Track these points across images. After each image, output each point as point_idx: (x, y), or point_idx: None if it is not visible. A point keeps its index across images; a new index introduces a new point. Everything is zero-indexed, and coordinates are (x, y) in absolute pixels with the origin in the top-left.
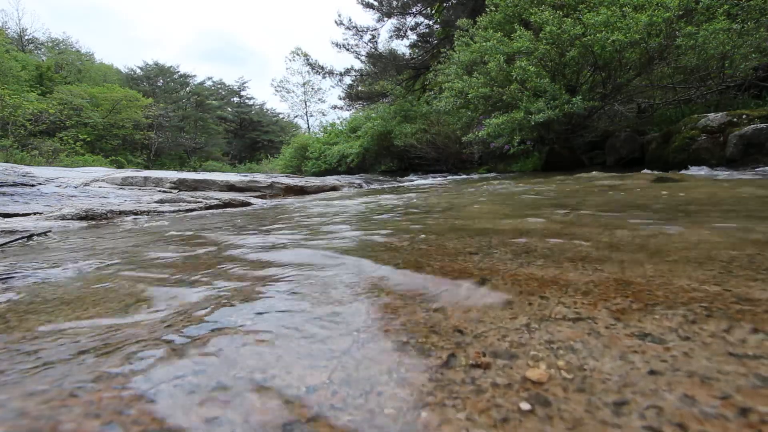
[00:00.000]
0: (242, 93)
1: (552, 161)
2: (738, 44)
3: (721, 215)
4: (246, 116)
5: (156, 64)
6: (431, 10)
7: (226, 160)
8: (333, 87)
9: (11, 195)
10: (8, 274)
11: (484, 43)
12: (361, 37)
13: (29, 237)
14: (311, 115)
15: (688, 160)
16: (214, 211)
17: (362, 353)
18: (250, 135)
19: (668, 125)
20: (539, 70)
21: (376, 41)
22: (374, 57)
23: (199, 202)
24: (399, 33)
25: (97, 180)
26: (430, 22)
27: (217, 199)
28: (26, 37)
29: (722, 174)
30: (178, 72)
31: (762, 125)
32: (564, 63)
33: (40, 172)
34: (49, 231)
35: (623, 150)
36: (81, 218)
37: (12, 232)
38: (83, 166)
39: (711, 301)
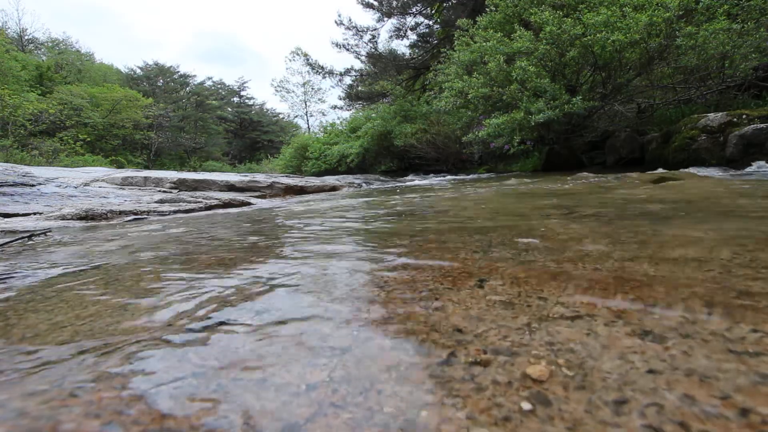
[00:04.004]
0: (242, 93)
1: (552, 161)
2: (738, 44)
3: (721, 214)
4: (246, 116)
5: (156, 64)
6: (431, 10)
7: (226, 160)
8: (333, 87)
9: (11, 195)
10: (8, 273)
11: (484, 43)
12: (361, 37)
13: (29, 237)
14: (311, 115)
15: (688, 160)
16: (216, 211)
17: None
18: (250, 135)
19: (668, 125)
20: (539, 70)
21: (376, 41)
22: (374, 57)
23: (199, 202)
24: (399, 33)
25: (97, 180)
26: (430, 22)
27: (217, 199)
28: (26, 37)
29: (722, 174)
30: (178, 72)
31: (762, 125)
32: (564, 63)
33: (40, 172)
34: (49, 231)
35: (623, 150)
36: (81, 218)
37: (12, 232)
38: (83, 166)
39: (711, 297)
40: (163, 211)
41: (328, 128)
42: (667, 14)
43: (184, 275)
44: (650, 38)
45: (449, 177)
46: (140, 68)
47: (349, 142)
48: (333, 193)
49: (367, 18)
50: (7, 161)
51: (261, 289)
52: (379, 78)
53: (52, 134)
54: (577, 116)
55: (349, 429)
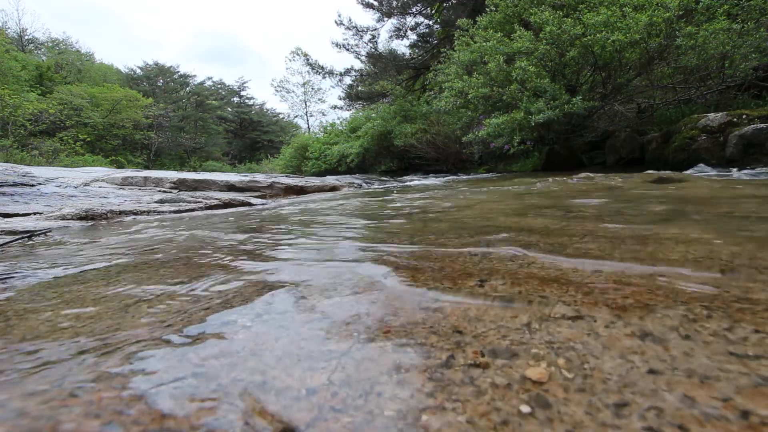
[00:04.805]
0: (242, 93)
1: (552, 161)
2: (738, 44)
3: (720, 215)
4: (246, 116)
5: (156, 64)
6: (431, 10)
7: (226, 160)
8: (333, 87)
9: (11, 195)
10: (8, 274)
11: (484, 43)
12: (361, 37)
13: (29, 237)
14: (311, 115)
15: (688, 160)
16: (216, 211)
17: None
18: (250, 135)
19: (668, 125)
20: (539, 70)
21: (376, 41)
22: (374, 57)
23: (199, 202)
24: (399, 33)
25: (97, 180)
26: (430, 22)
27: (217, 199)
28: (26, 37)
29: (722, 174)
30: (178, 72)
31: (762, 125)
32: (564, 63)
33: (40, 172)
34: (49, 231)
35: (623, 150)
36: (81, 218)
37: (12, 232)
38: (83, 166)
39: (711, 299)
40: (163, 211)
41: (328, 128)
42: (667, 14)
43: (183, 276)
44: (650, 38)
45: (449, 177)
46: (140, 68)
47: (349, 142)
48: (333, 193)
49: (367, 18)
50: (7, 161)
51: (260, 290)
52: (379, 78)
53: (52, 134)
54: (577, 116)
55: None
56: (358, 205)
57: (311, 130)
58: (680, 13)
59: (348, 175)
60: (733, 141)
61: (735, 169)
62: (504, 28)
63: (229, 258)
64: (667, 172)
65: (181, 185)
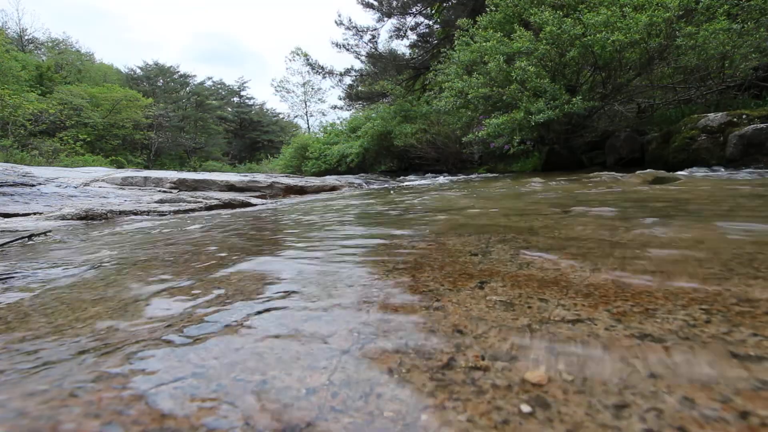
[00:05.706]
0: (242, 93)
1: (552, 161)
2: (738, 44)
3: (720, 215)
4: (246, 116)
5: (156, 64)
6: (431, 10)
7: (226, 160)
8: (333, 87)
9: (11, 195)
10: (8, 274)
11: (484, 43)
12: (361, 37)
13: (29, 237)
14: (311, 115)
15: (688, 160)
16: (216, 211)
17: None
18: (250, 135)
19: (668, 125)
20: (539, 70)
21: (376, 41)
22: (374, 57)
23: (199, 202)
24: (399, 33)
25: (97, 180)
26: (430, 22)
27: (217, 199)
28: (26, 37)
29: (722, 174)
30: (178, 72)
31: (762, 125)
32: (564, 63)
33: (40, 172)
34: (49, 231)
35: (623, 150)
36: (81, 218)
37: (12, 232)
38: (83, 166)
39: (711, 302)
40: (163, 211)
41: (328, 128)
42: (667, 14)
43: (184, 275)
44: (650, 38)
45: (449, 177)
46: (140, 68)
47: (349, 142)
48: (333, 193)
49: (367, 18)
50: (7, 161)
51: (259, 288)
52: (379, 78)
53: (52, 134)
54: (577, 116)
55: None
56: (358, 205)
57: (311, 130)
58: (680, 13)
59: (348, 175)
60: (733, 141)
61: (735, 169)
62: (504, 28)
63: (230, 257)
64: (668, 171)
65: (181, 185)
